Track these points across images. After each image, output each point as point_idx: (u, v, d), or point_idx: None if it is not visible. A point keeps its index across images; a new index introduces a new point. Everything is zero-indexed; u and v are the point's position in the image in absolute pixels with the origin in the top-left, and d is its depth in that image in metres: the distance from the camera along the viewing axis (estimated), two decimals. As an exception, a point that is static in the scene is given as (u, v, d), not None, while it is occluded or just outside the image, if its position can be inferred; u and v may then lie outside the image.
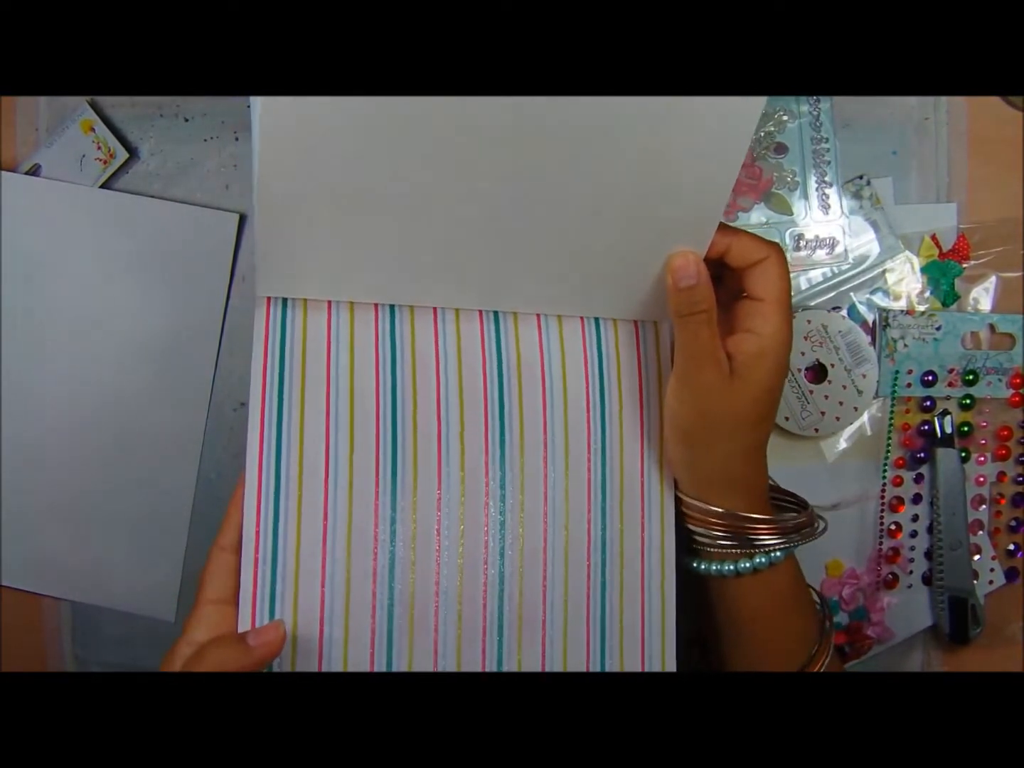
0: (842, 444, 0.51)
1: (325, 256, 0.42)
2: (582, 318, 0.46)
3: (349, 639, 0.40)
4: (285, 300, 0.43)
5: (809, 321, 0.49)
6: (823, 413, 0.50)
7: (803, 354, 0.49)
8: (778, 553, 0.40)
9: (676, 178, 0.38)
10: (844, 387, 0.50)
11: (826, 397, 0.50)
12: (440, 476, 0.44)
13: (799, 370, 0.49)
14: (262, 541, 0.39)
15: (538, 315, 0.46)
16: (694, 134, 0.36)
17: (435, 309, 0.45)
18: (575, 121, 0.37)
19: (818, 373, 0.50)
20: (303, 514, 0.40)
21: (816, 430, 0.50)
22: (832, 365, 0.49)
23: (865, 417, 0.51)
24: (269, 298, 0.43)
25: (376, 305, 0.45)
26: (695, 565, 0.42)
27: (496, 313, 0.46)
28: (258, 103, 0.35)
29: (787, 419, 0.49)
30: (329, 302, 0.44)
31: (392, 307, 0.45)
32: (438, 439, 0.44)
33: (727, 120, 0.36)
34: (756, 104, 0.36)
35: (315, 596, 0.40)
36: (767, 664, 0.42)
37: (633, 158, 0.37)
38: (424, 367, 0.44)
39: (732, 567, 0.40)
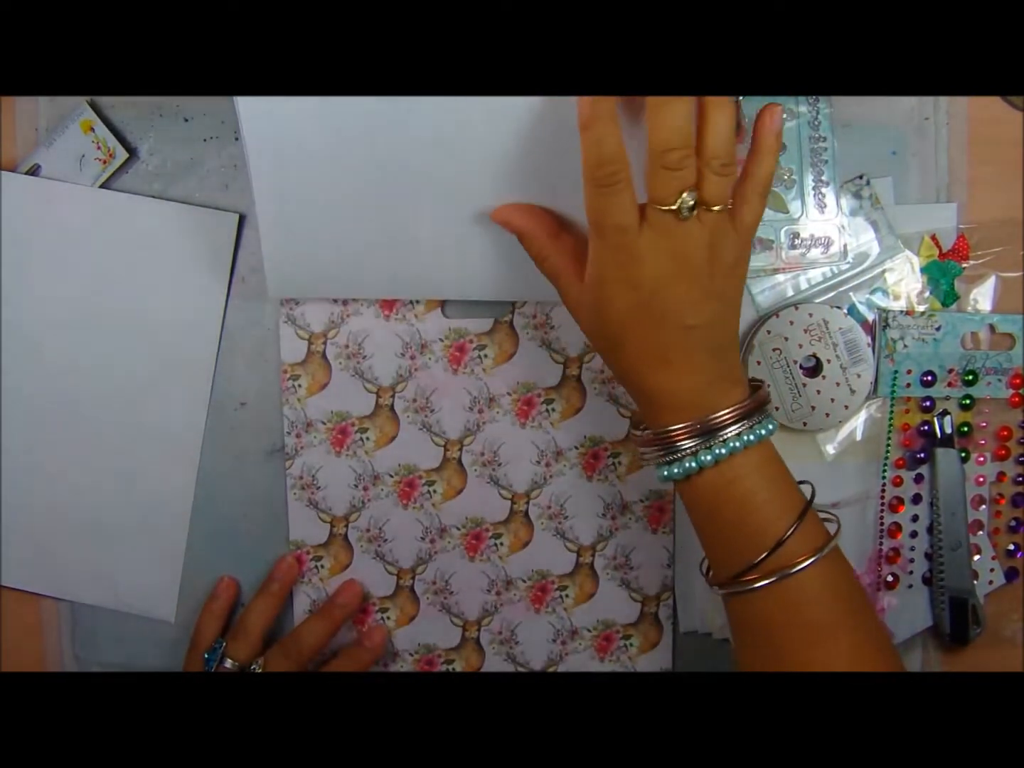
0: (841, 444, 0.51)
1: (328, 256, 0.44)
2: None
3: None
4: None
5: (811, 315, 0.49)
6: (813, 408, 0.50)
7: (800, 346, 0.49)
8: (736, 444, 0.38)
9: None
10: (837, 384, 0.50)
11: (818, 392, 0.50)
12: None
13: (794, 362, 0.49)
14: None
15: None
16: None
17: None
18: (559, 114, 0.38)
19: (814, 368, 0.50)
20: None
21: (804, 424, 0.50)
22: (828, 361, 0.49)
23: (863, 416, 0.51)
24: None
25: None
26: (664, 474, 0.40)
27: None
28: (240, 106, 0.39)
29: (777, 409, 0.49)
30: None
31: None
32: None
33: None
34: None
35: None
36: (723, 556, 0.40)
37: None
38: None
39: (693, 463, 0.38)
